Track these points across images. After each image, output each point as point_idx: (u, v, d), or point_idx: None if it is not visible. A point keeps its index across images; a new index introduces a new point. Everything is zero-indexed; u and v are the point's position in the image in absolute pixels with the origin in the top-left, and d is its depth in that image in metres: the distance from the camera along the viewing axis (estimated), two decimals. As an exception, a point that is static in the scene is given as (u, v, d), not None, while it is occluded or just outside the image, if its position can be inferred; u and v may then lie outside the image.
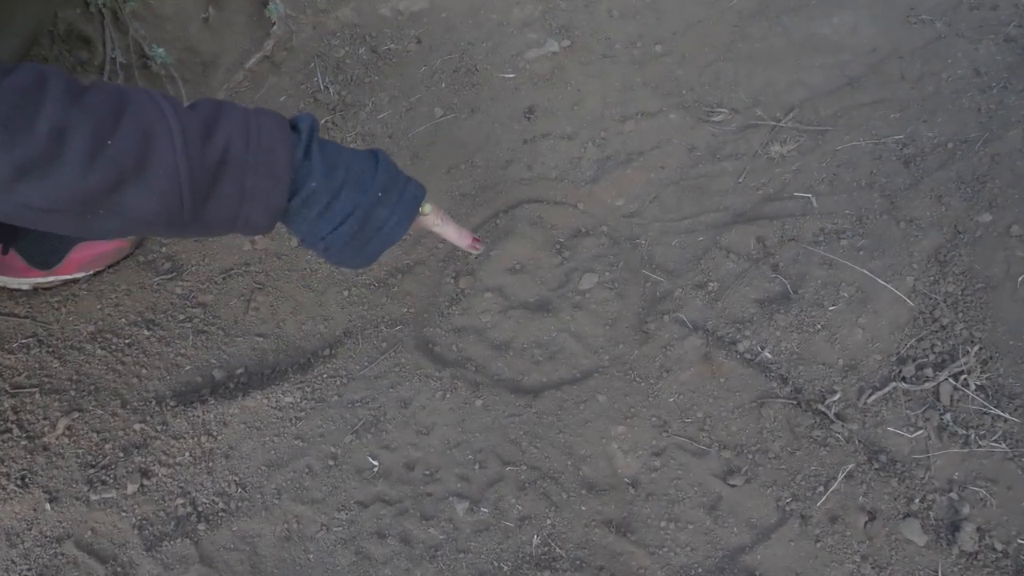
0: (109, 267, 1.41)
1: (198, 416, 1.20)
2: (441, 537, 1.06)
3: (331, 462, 1.14)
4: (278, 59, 1.63)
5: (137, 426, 1.21)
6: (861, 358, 1.13)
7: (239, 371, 1.28)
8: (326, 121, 1.55)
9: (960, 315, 1.13)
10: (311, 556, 1.07)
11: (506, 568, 1.03)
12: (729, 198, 1.33)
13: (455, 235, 1.08)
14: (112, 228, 0.82)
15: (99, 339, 1.32)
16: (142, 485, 1.15)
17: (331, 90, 1.59)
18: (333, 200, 0.92)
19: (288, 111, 1.59)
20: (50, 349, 1.31)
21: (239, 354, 1.30)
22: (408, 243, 1.39)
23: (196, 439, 1.18)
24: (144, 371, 1.29)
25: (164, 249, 1.45)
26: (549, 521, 1.06)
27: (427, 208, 1.02)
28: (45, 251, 1.33)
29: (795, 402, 1.11)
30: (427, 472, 1.12)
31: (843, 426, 1.08)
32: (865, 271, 1.17)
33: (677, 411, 1.13)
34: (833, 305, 1.16)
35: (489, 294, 1.27)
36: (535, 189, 1.41)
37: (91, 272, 1.40)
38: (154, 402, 1.24)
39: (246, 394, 1.21)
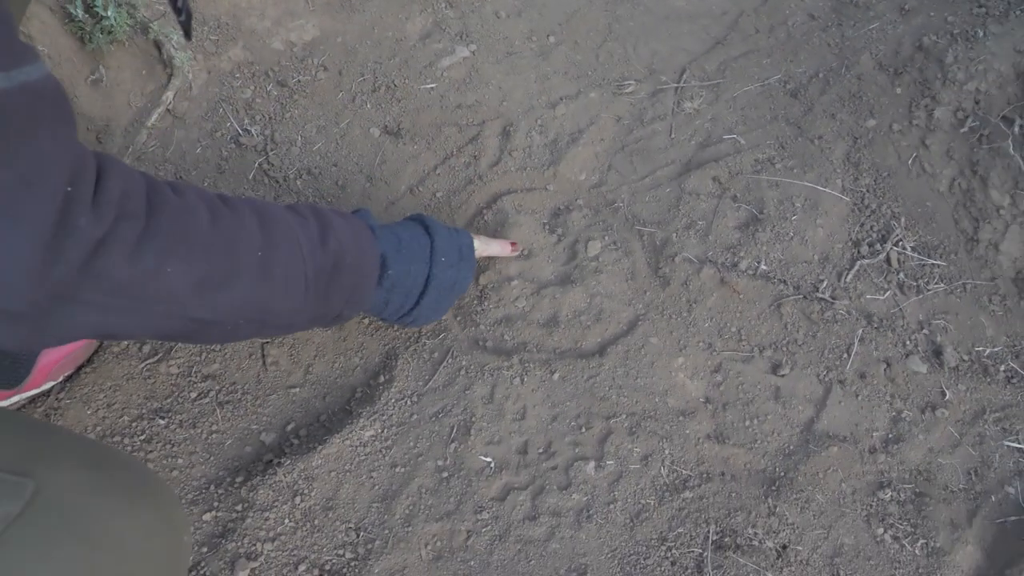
0: (80, 368, 1.23)
1: (280, 480, 1.12)
2: (585, 499, 1.12)
3: (444, 475, 1.14)
4: (180, 111, 1.51)
5: (207, 516, 1.10)
6: (828, 249, 1.39)
7: (289, 427, 1.20)
8: (260, 163, 1.48)
9: (881, 198, 1.43)
10: (472, 563, 1.07)
11: (652, 501, 1.12)
12: (671, 152, 1.53)
13: (499, 249, 1.29)
14: (251, 333, 0.90)
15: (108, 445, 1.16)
16: (251, 571, 1.05)
17: (253, 132, 1.51)
18: (407, 280, 1.06)
19: (209, 161, 1.49)
20: (51, 474, 1.12)
21: (280, 411, 1.22)
22: (403, 259, 1.39)
23: (291, 502, 1.10)
24: (180, 460, 1.16)
25: (132, 333, 1.29)
26: (667, 451, 1.17)
27: (476, 246, 1.20)
28: (7, 365, 1.13)
29: (802, 296, 1.33)
30: (541, 451, 1.16)
31: (840, 303, 1.33)
32: (806, 183, 1.44)
33: (716, 332, 1.30)
34: (794, 215, 1.41)
35: (515, 282, 1.33)
36: (504, 182, 1.49)
37: (60, 379, 1.21)
38: (212, 487, 1.13)
39: (322, 442, 1.15)
